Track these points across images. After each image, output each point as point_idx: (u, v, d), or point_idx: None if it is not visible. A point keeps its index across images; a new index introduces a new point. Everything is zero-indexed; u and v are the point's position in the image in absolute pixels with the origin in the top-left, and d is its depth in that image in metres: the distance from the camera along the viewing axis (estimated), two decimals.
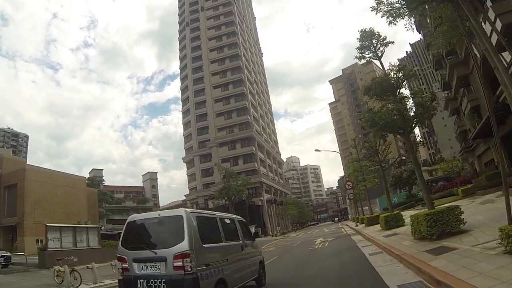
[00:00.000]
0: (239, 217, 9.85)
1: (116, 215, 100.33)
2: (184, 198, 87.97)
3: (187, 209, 6.97)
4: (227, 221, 8.72)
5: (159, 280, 5.96)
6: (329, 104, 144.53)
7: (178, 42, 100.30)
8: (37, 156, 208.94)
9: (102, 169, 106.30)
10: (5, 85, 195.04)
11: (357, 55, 14.81)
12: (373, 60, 14.88)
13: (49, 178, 39.33)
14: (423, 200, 45.57)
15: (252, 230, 51.93)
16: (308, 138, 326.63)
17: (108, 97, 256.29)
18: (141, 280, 6.12)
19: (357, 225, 31.63)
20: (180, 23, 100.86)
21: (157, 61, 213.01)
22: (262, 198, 68.58)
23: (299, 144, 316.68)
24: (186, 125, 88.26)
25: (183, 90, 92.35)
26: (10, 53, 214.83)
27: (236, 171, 66.74)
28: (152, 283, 6.01)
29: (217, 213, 8.48)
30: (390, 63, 17.42)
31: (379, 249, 12.65)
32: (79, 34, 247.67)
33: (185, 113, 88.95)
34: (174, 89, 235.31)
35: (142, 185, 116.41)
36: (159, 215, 6.97)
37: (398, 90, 13.16)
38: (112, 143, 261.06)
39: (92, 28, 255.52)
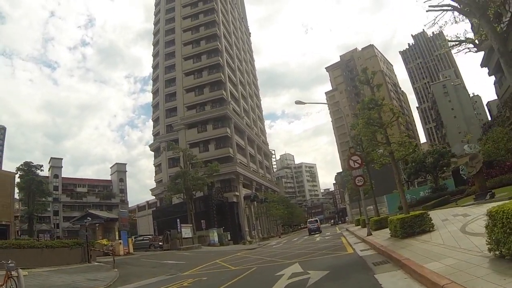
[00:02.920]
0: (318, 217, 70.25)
1: (76, 212, 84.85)
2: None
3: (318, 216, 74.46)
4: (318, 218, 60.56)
5: (315, 226, 44.32)
6: (326, 93, 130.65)
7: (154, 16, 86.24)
8: (34, 155, 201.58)
9: (61, 159, 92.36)
10: (2, 83, 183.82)
11: None
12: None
13: None
14: (459, 194, 30.97)
15: (214, 235, 33.12)
16: (305, 140, 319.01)
17: (105, 97, 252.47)
18: (311, 227, 44.95)
19: (370, 234, 16.88)
20: None
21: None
22: (237, 193, 53.58)
23: (296, 145, 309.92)
24: (155, 107, 73.78)
25: (155, 68, 78.09)
26: (8, 52, 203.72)
27: (205, 159, 52.14)
28: (313, 226, 44.41)
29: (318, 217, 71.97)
30: None
31: None
32: (77, 32, 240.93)
33: (155, 93, 74.63)
34: None
35: (110, 179, 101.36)
36: (314, 218, 52.44)
37: None
38: (109, 142, 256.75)
39: (90, 27, 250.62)
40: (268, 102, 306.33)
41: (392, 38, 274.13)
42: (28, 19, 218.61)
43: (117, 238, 30.41)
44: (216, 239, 36.96)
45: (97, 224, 31.23)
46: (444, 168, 35.68)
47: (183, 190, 40.92)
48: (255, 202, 59.30)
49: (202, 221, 38.51)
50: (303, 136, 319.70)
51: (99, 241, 29.16)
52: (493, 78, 37.50)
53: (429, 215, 12.28)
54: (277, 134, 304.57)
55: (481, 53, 33.79)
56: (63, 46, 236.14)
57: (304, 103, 20.50)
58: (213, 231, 37.29)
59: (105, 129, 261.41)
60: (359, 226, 28.78)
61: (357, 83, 16.32)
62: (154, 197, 74.55)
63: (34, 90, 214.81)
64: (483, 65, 35.77)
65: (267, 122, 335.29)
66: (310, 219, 52.54)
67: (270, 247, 28.47)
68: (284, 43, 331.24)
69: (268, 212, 61.70)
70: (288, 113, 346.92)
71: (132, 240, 30.82)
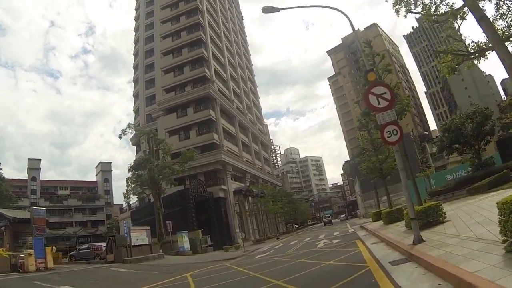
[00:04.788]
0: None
1: (55, 217, 75.77)
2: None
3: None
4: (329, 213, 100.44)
5: (328, 219, 66.74)
6: (329, 78, 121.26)
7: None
8: (41, 165, 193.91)
9: (40, 160, 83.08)
10: (6, 94, 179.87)
11: None
12: None
13: None
14: None
15: (184, 241, 21.29)
16: (311, 136, 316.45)
17: (109, 103, 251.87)
18: (325, 220, 68.09)
19: (420, 239, 7.75)
20: None
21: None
22: (224, 187, 44.43)
23: (302, 142, 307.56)
24: (136, 97, 65.25)
25: (136, 55, 69.71)
26: (10, 63, 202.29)
27: (186, 147, 43.36)
28: (326, 220, 66.80)
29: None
30: None
31: None
32: (77, 40, 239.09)
33: (136, 82, 66.20)
34: None
35: (95, 180, 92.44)
36: (327, 214, 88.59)
37: None
38: (115, 148, 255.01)
39: (90, 35, 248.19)
40: (272, 100, 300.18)
41: (393, 30, 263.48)
42: (29, 30, 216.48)
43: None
44: (187, 245, 27.97)
45: (3, 228, 22.41)
46: (488, 137, 26.24)
47: (148, 183, 32.20)
48: (249, 198, 50.24)
49: (168, 222, 29.54)
50: (309, 132, 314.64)
51: None
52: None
53: None
54: (283, 131, 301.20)
55: None
56: (65, 55, 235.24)
57: (278, 10, 11.83)
58: (182, 235, 28.14)
59: (110, 135, 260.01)
60: (381, 222, 19.66)
61: None
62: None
63: (38, 100, 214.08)
64: None
65: (271, 120, 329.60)
66: (324, 215, 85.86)
67: (253, 258, 19.59)
68: (285, 41, 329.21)
69: (264, 209, 52.56)
70: (292, 110, 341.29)
71: (52, 250, 21.88)
